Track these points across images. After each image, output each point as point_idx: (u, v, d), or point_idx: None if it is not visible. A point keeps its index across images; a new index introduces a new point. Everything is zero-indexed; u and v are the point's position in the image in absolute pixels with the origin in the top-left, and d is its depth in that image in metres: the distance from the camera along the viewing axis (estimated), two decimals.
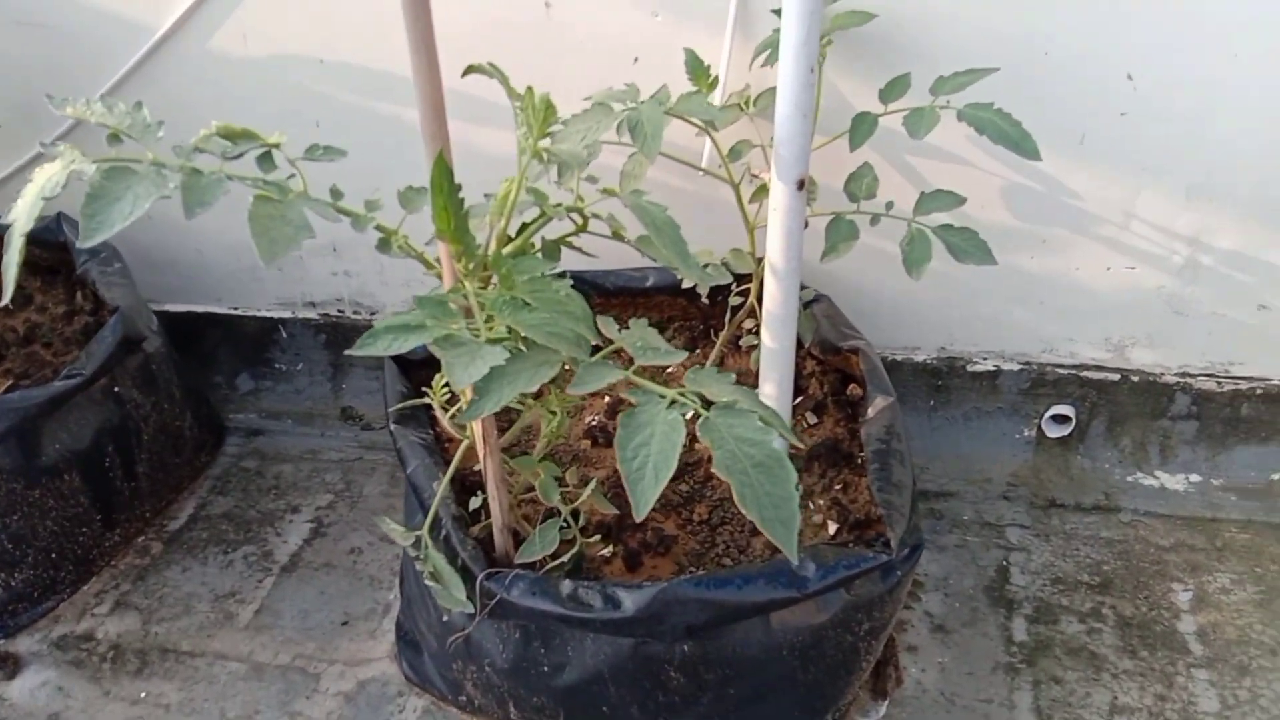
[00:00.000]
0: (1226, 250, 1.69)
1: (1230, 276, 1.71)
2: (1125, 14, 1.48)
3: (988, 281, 1.79)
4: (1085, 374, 1.87)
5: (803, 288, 1.74)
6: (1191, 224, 1.67)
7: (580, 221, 1.20)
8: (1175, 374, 1.84)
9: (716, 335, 1.76)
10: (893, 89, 1.41)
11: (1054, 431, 1.90)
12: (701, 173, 1.62)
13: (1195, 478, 1.85)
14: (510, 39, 1.67)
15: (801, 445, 1.56)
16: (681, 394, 0.97)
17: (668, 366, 1.76)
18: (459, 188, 0.99)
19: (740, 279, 1.56)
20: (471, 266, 1.04)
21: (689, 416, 0.96)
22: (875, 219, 1.41)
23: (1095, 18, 1.49)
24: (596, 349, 1.03)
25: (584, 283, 1.79)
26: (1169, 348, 1.82)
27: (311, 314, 2.14)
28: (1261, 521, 1.76)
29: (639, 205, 1.11)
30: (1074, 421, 1.89)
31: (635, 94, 1.34)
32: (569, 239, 1.22)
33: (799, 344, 1.73)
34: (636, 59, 1.68)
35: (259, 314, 2.17)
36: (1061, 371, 1.88)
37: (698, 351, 1.79)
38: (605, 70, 1.68)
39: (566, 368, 0.98)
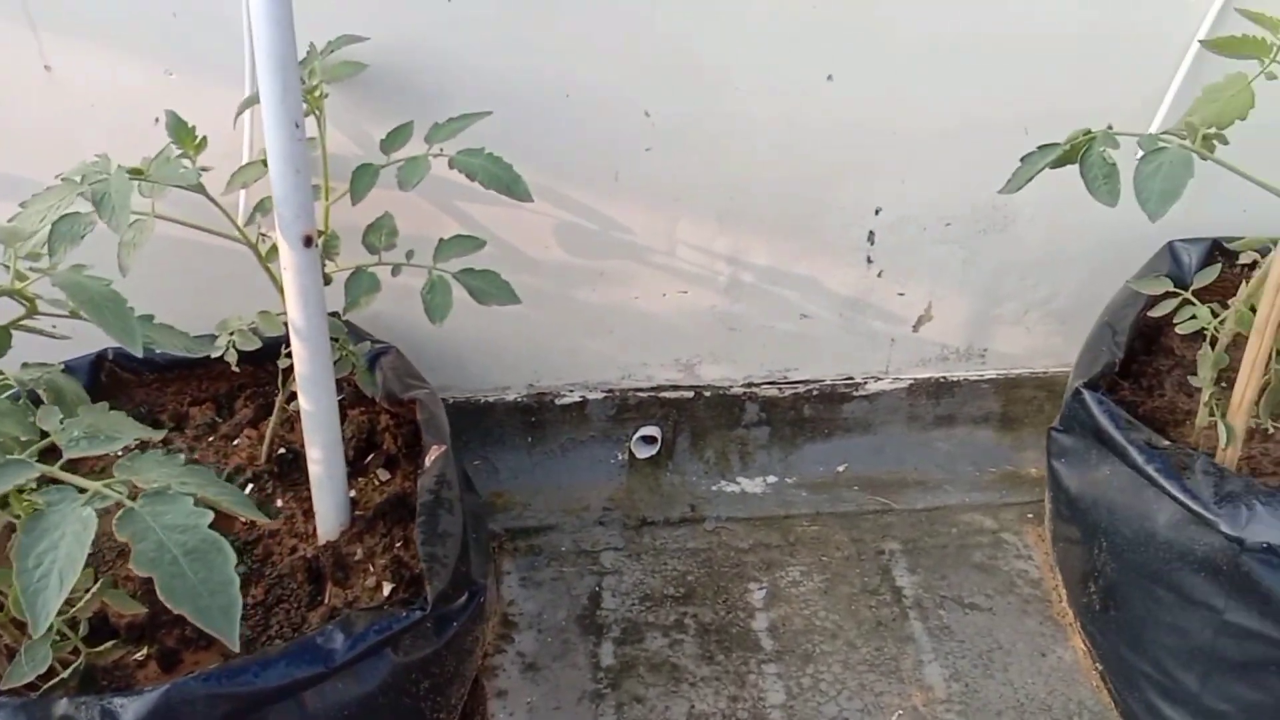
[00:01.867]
0: (763, 267, 1.83)
1: (771, 291, 1.85)
2: (635, 56, 1.56)
3: (560, 316, 1.83)
4: (664, 395, 1.96)
5: (373, 341, 1.71)
6: (728, 246, 1.79)
7: (27, 303, 1.09)
8: (742, 385, 1.97)
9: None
10: (395, 138, 1.40)
11: (644, 452, 1.97)
12: (227, 234, 1.54)
13: (772, 479, 1.98)
14: (7, 104, 1.52)
15: (265, 519, 1.50)
16: (108, 485, 0.89)
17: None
18: None
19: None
20: None
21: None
22: (396, 269, 1.40)
23: (609, 61, 1.56)
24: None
25: (130, 360, 1.66)
26: (732, 362, 1.94)
27: None
28: (828, 513, 1.91)
29: (73, 283, 1.02)
30: (660, 441, 1.97)
31: (107, 165, 1.25)
32: (21, 323, 1.11)
33: (370, 398, 1.70)
34: (157, 119, 1.58)
35: None
36: (642, 395, 1.96)
37: (228, 423, 1.69)
38: (124, 133, 1.56)
39: None
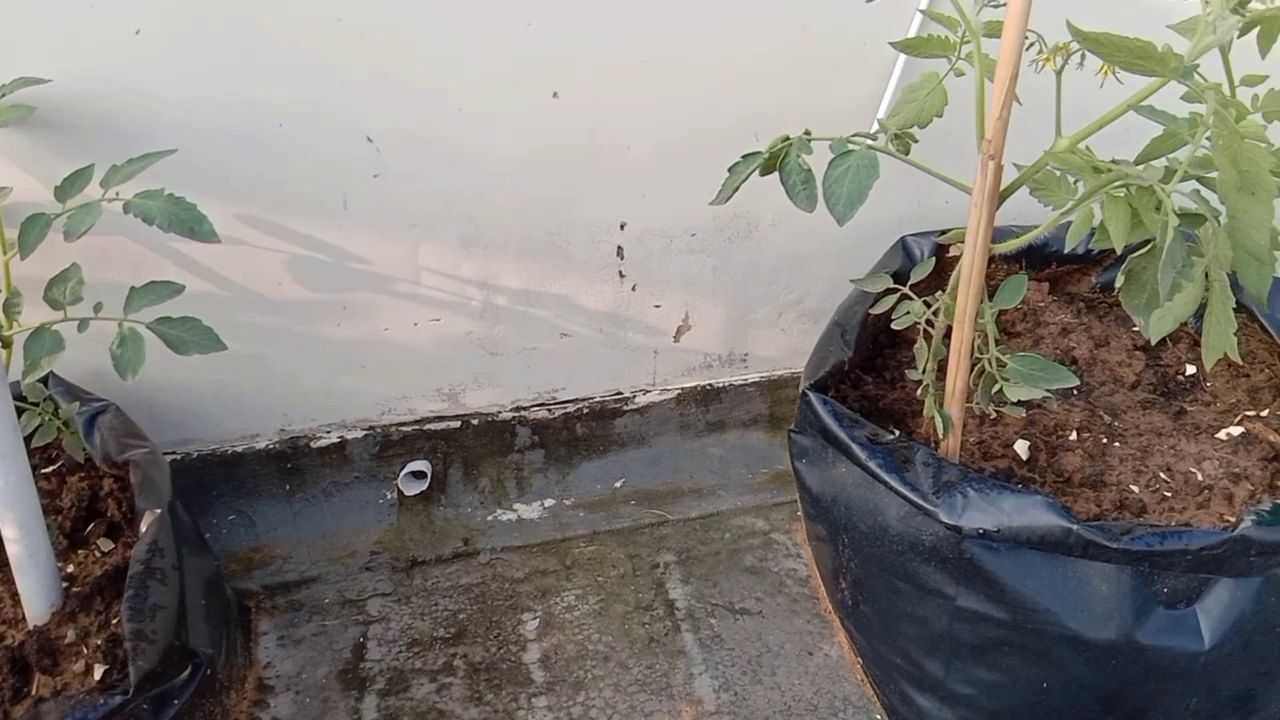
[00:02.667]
0: (517, 290, 1.79)
1: (528, 312, 1.82)
2: (350, 81, 1.49)
3: (305, 355, 1.74)
4: (429, 427, 1.89)
5: (89, 399, 1.58)
6: (476, 271, 1.74)
7: None
8: (510, 410, 1.92)
9: None
10: (71, 184, 1.30)
11: (413, 489, 1.90)
12: None
13: (549, 502, 1.94)
14: None
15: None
16: None
17: None
18: None
19: None
20: None
21: None
22: (83, 325, 1.29)
23: (323, 86, 1.49)
24: None
25: None
26: (497, 387, 1.89)
27: None
28: (605, 531, 1.88)
29: None
30: (430, 475, 1.90)
31: None
32: None
33: (89, 463, 1.57)
34: None
35: None
36: (406, 429, 1.88)
37: None
38: None
39: None
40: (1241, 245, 1.06)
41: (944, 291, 1.37)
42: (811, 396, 1.46)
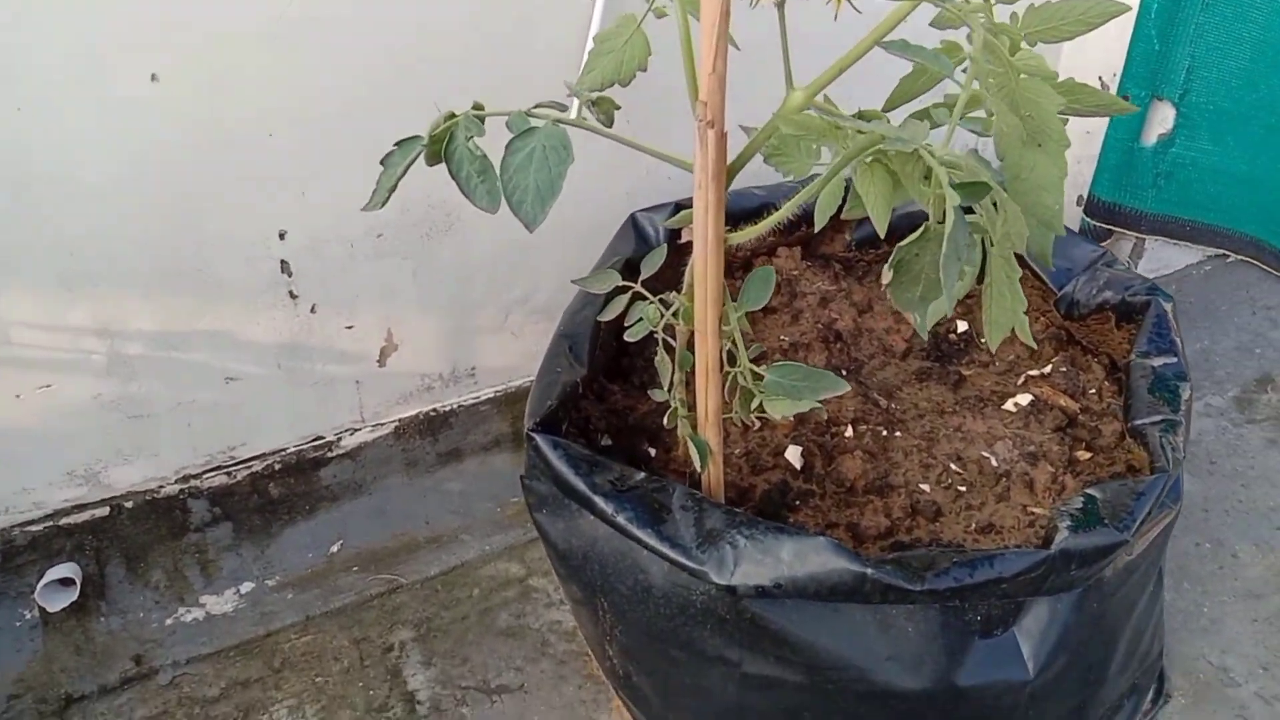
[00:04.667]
0: (154, 333, 1.37)
1: (174, 358, 1.41)
2: None
3: None
4: (67, 520, 1.45)
5: None
6: (89, 316, 1.32)
7: None
8: (176, 482, 1.51)
9: None
10: None
11: (59, 602, 1.46)
12: None
13: (247, 587, 1.55)
14: None
15: None
16: None
17: None
18: None
19: None
20: None
21: None
22: None
23: None
24: None
25: None
26: (151, 457, 1.47)
27: None
28: (320, 614, 1.52)
29: None
30: (80, 581, 1.47)
31: None
32: None
33: None
34: None
35: None
36: (35, 529, 1.44)
37: None
38: None
39: None
40: (1031, 211, 0.83)
41: (679, 292, 1.09)
42: (539, 441, 1.15)
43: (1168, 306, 1.31)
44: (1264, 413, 1.79)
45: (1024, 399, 1.35)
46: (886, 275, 0.82)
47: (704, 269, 0.97)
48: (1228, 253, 1.99)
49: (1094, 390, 1.37)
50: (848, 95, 0.98)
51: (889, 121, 0.87)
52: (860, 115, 0.94)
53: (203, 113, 1.25)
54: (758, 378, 1.04)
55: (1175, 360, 1.24)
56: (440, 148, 0.94)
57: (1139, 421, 1.18)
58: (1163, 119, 1.84)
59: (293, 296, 1.44)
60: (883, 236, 0.85)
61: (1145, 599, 1.20)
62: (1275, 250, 1.99)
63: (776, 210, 1.00)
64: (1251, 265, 2.01)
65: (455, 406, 1.68)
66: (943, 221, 0.75)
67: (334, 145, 1.34)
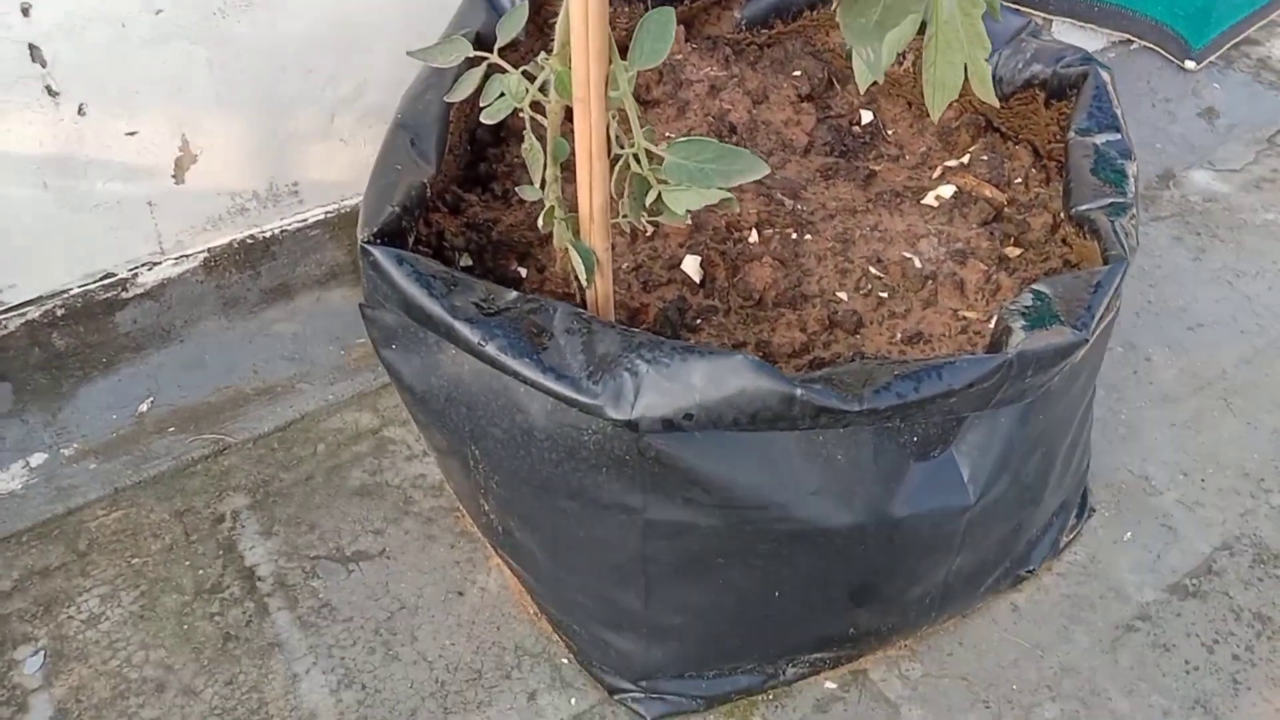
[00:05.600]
0: None
1: None
2: None
3: None
4: None
5: None
6: None
7: None
8: None
9: None
10: None
11: None
12: None
13: (39, 457, 1.29)
14: None
15: None
16: None
17: None
18: None
19: None
20: None
21: None
22: None
23: None
24: None
25: None
26: None
27: None
28: (131, 484, 1.27)
29: None
30: None
31: None
32: None
33: None
34: None
35: None
36: None
37: None
38: None
39: None
40: None
41: (549, 54, 0.85)
42: (378, 256, 0.91)
43: (1107, 76, 1.14)
44: (1167, 210, 1.70)
45: (946, 191, 1.18)
46: None
47: (584, 12, 0.74)
48: (1131, 38, 1.85)
49: (1019, 180, 1.21)
50: None
51: None
52: None
53: None
54: (655, 161, 0.83)
55: (1119, 137, 1.09)
56: None
57: (1084, 207, 1.03)
58: None
59: (51, 93, 1.12)
60: None
61: (1083, 408, 1.09)
62: (1176, 36, 1.87)
63: None
64: (1153, 53, 1.88)
65: (278, 232, 1.40)
66: None
67: None
